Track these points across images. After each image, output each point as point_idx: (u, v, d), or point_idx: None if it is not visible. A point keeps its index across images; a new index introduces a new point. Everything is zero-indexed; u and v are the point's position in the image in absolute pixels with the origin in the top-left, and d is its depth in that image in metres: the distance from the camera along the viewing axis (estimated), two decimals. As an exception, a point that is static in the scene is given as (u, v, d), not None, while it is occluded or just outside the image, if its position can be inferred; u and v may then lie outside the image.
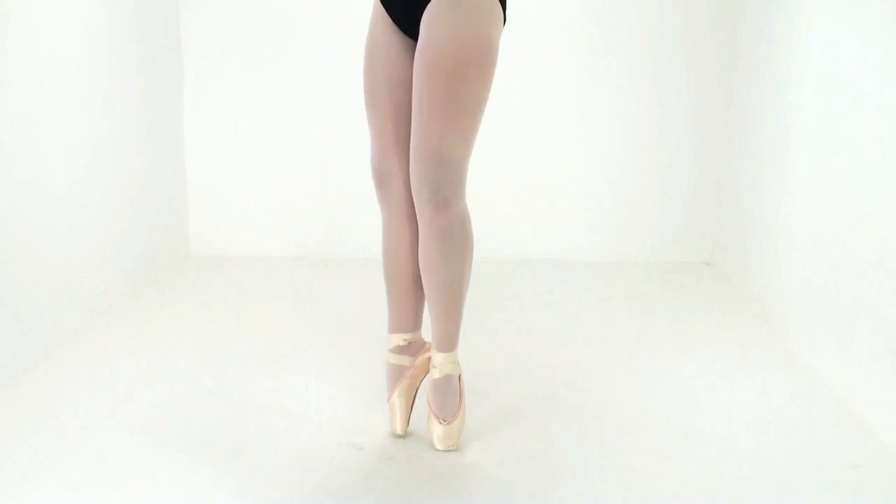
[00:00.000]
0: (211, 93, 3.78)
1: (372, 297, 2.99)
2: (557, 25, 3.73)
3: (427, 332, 2.28)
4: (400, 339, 2.17)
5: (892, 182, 2.20)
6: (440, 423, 2.08)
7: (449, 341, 2.08)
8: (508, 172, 3.83)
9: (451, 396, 2.09)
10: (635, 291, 3.45)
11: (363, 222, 3.72)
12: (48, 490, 1.88)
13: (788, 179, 2.91)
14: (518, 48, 3.73)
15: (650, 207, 3.87)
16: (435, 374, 2.09)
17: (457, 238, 1.99)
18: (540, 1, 3.70)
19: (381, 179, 2.12)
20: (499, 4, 1.93)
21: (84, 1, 2.87)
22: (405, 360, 2.16)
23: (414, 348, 2.18)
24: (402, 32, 2.02)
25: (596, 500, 1.88)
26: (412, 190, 1.99)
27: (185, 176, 3.82)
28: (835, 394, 2.44)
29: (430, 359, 2.14)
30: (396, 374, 2.16)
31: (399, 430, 2.13)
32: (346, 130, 3.69)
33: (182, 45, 3.73)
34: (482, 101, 1.94)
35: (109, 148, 3.08)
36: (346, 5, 3.60)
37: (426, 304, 2.14)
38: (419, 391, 2.23)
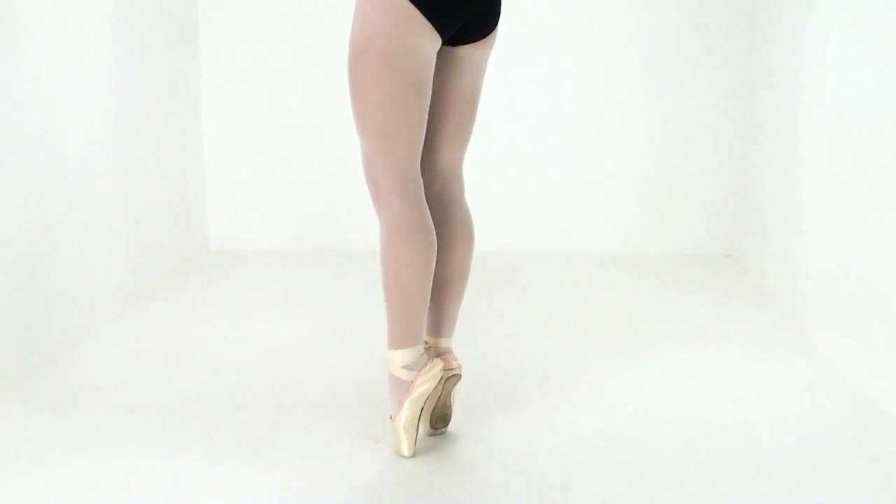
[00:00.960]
0: (229, 88, 3.79)
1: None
2: (576, 21, 3.72)
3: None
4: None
5: (912, 172, 2.19)
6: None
7: (388, 336, 2.04)
8: (527, 166, 3.82)
9: (391, 393, 2.04)
10: (654, 283, 3.44)
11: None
12: (70, 483, 1.90)
13: (806, 172, 2.90)
14: (537, 43, 3.73)
15: (669, 200, 3.86)
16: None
17: (383, 237, 1.97)
18: (557, -7, 3.71)
19: None
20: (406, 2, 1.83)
21: (103, -3, 2.90)
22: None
23: (433, 351, 2.16)
24: None
25: (616, 492, 1.89)
26: None
27: (203, 170, 3.84)
28: (854, 385, 2.42)
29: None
30: None
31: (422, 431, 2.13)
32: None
33: (200, 41, 3.74)
34: (374, 93, 1.89)
35: (128, 143, 3.10)
36: None
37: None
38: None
